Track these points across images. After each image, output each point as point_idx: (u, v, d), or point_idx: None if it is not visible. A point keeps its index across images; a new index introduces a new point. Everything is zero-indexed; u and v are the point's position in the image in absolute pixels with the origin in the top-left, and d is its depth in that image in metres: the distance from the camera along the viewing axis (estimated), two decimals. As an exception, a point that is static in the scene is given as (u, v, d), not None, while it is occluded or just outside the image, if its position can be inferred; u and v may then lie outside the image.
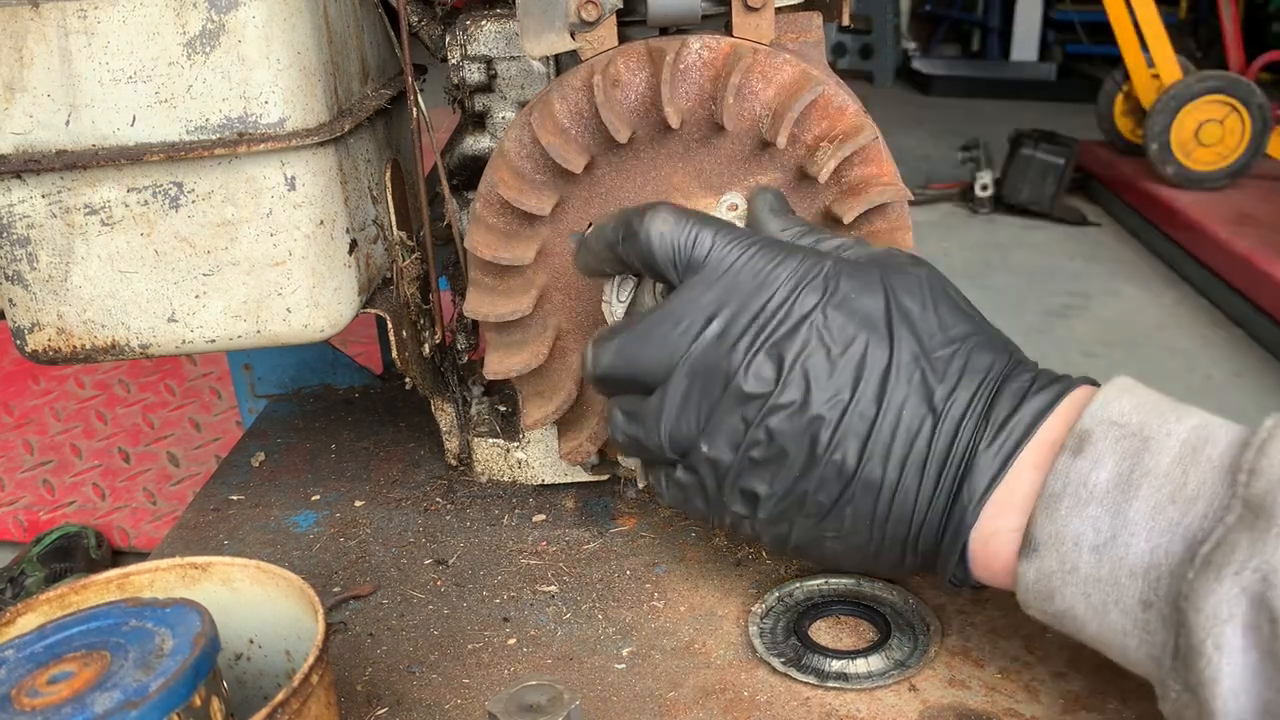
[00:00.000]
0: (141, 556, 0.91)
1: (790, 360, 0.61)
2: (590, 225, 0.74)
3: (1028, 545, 0.58)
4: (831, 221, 0.78)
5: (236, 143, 0.77)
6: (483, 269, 0.82)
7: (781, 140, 0.74)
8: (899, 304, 0.62)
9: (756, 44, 0.76)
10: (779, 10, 0.78)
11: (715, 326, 0.62)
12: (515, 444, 0.95)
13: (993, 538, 0.60)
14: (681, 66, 0.75)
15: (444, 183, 0.92)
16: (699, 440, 0.63)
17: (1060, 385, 0.61)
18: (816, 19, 0.83)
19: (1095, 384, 0.62)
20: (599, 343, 0.67)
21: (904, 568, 0.64)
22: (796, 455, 0.61)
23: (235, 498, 0.99)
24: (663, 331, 0.64)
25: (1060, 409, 0.60)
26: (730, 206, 0.76)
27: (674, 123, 0.73)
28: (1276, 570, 0.48)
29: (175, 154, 0.77)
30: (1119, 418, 0.57)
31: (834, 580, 0.79)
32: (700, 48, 0.76)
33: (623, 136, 0.75)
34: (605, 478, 0.93)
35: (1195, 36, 5.79)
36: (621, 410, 0.68)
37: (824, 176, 0.74)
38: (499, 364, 0.84)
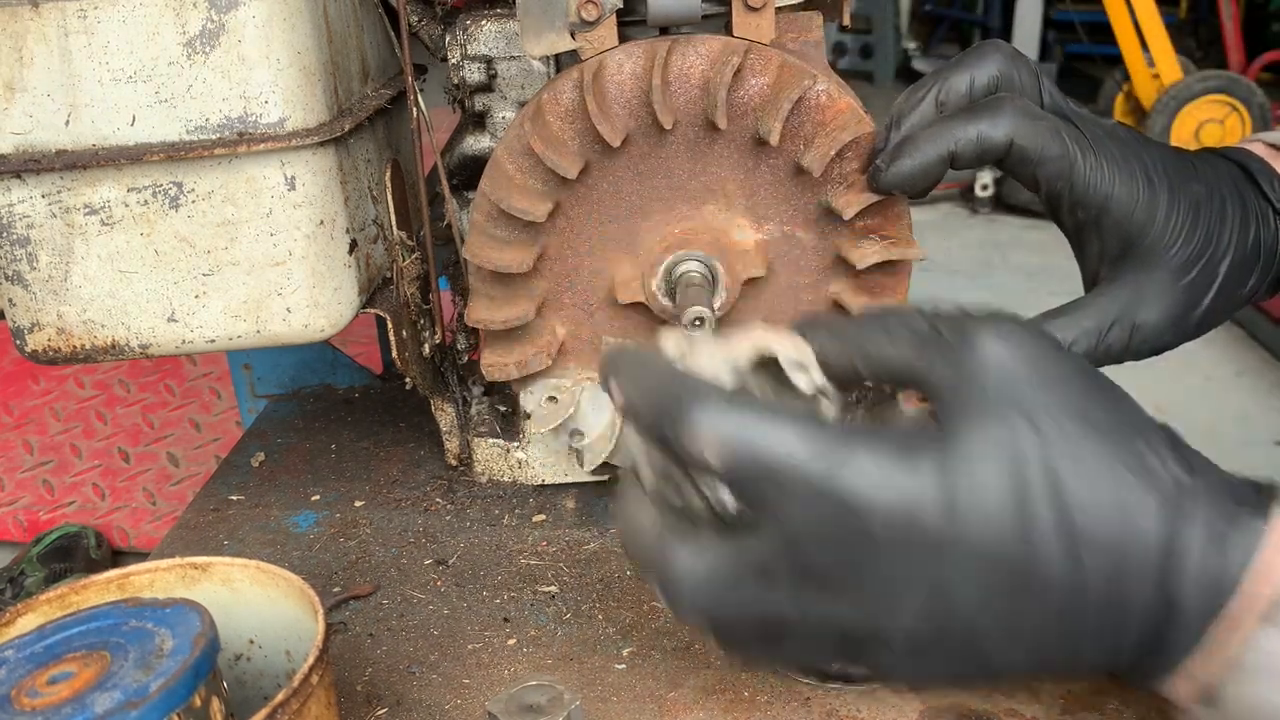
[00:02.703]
0: (141, 556, 0.91)
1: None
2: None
3: (1207, 699, 0.51)
4: (831, 217, 0.78)
5: (236, 143, 0.77)
6: (483, 277, 0.82)
7: (774, 137, 0.74)
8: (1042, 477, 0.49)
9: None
10: (779, 10, 0.78)
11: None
12: (515, 444, 0.95)
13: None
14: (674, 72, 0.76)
15: (444, 183, 0.92)
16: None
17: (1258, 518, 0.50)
18: (817, 19, 0.83)
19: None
20: None
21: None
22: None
23: (235, 498, 0.99)
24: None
25: (1264, 557, 0.50)
26: (694, 320, 0.72)
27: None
28: None
29: (175, 154, 0.77)
30: None
31: (834, 580, 0.79)
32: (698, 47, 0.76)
33: (617, 140, 0.75)
34: (605, 478, 0.93)
35: (1195, 36, 5.78)
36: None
37: (817, 169, 0.75)
38: (496, 359, 0.84)
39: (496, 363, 0.84)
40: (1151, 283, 0.72)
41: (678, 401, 0.49)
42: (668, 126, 0.75)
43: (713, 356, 0.54)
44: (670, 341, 0.55)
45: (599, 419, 0.87)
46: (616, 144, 0.76)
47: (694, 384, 0.50)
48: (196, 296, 0.81)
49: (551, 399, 0.87)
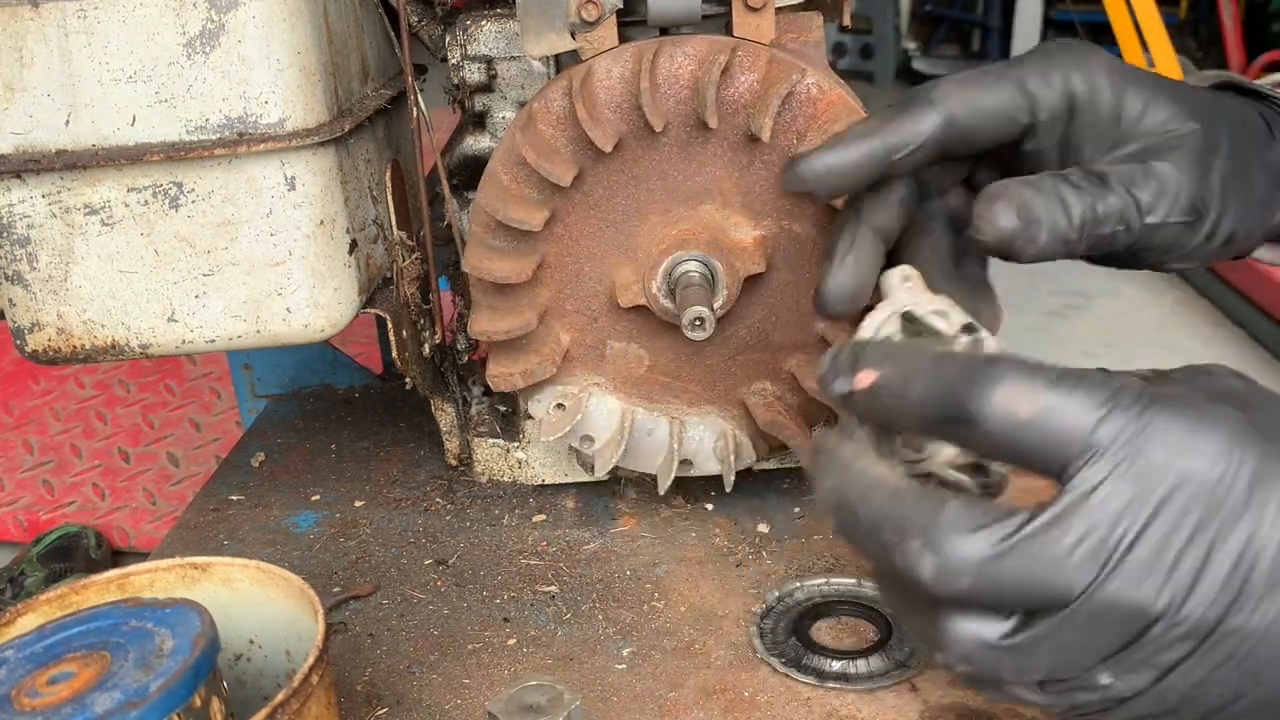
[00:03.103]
0: (141, 556, 0.91)
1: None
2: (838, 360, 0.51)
3: None
4: (828, 210, 0.78)
5: (236, 143, 0.77)
6: (484, 288, 0.82)
7: (766, 133, 0.74)
8: None
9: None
10: (779, 10, 0.78)
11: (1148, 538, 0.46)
12: (515, 444, 0.95)
13: None
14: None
15: (444, 183, 0.92)
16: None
17: None
18: (816, 19, 0.83)
19: None
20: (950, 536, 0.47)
21: None
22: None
23: (235, 498, 0.99)
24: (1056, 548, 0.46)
25: None
26: (902, 278, 0.63)
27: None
28: None
29: (175, 154, 0.77)
30: None
31: (835, 580, 0.79)
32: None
33: (608, 145, 0.75)
34: (606, 478, 0.93)
35: (1195, 36, 5.78)
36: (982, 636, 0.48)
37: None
38: (501, 370, 0.84)
39: (502, 373, 0.84)
40: (1166, 140, 0.61)
41: (972, 382, 0.46)
42: (659, 128, 0.75)
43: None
44: (895, 276, 0.61)
45: (608, 424, 0.86)
46: (608, 149, 0.76)
47: (983, 361, 0.47)
48: (196, 296, 0.82)
49: (559, 406, 0.86)
